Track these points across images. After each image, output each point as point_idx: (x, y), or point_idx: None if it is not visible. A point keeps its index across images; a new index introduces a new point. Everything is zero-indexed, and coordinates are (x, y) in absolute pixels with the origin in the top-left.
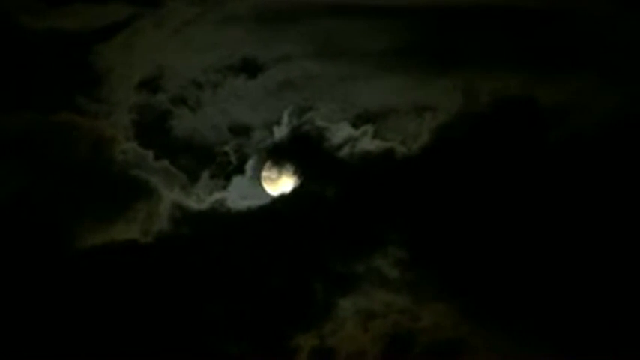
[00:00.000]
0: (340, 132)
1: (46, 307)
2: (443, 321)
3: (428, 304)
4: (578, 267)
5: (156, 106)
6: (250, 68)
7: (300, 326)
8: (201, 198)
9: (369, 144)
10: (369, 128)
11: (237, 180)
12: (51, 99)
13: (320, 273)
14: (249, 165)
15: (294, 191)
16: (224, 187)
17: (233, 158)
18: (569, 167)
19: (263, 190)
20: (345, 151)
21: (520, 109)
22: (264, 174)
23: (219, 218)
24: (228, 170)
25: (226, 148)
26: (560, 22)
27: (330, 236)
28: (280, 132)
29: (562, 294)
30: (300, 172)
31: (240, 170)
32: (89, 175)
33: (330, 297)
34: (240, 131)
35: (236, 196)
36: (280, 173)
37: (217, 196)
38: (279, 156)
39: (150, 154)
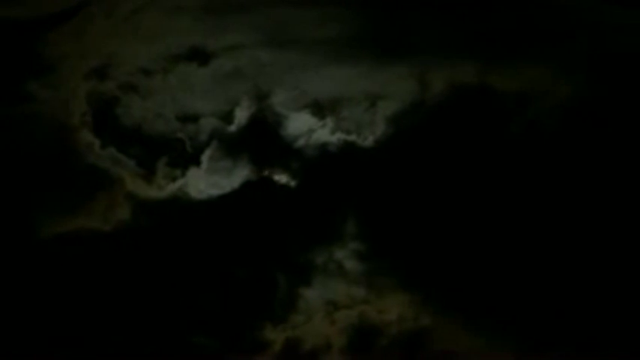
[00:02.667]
0: (297, 122)
1: (13, 296)
2: (407, 312)
3: (390, 296)
4: (543, 258)
5: (110, 95)
6: (200, 57)
7: (268, 318)
8: (161, 187)
9: (325, 135)
10: (324, 117)
11: (193, 170)
12: (3, 88)
13: (282, 264)
14: (206, 154)
15: (252, 182)
16: (181, 177)
17: (188, 147)
18: (532, 156)
19: (220, 181)
20: (302, 141)
21: (477, 97)
22: (221, 164)
23: (179, 208)
24: (184, 159)
25: (181, 137)
26: (516, 7)
27: (291, 227)
28: (236, 121)
29: (525, 286)
30: (257, 162)
31: (196, 159)
32: (50, 165)
33: (294, 289)
34: (193, 120)
35: (194, 186)
36: (237, 163)
37: (176, 185)
38: (235, 145)
39: (109, 143)
